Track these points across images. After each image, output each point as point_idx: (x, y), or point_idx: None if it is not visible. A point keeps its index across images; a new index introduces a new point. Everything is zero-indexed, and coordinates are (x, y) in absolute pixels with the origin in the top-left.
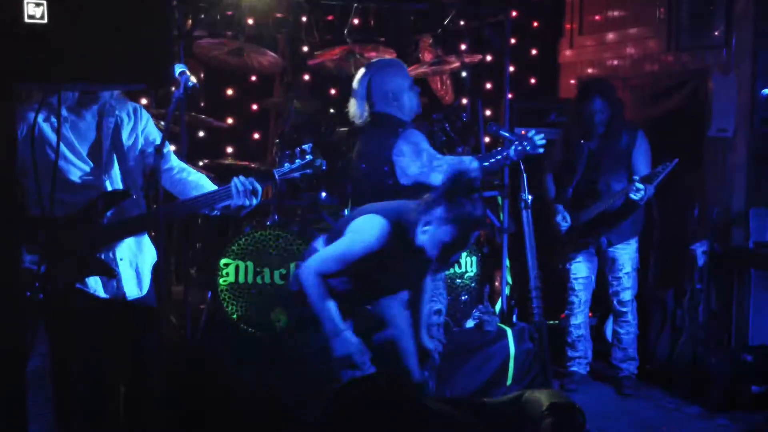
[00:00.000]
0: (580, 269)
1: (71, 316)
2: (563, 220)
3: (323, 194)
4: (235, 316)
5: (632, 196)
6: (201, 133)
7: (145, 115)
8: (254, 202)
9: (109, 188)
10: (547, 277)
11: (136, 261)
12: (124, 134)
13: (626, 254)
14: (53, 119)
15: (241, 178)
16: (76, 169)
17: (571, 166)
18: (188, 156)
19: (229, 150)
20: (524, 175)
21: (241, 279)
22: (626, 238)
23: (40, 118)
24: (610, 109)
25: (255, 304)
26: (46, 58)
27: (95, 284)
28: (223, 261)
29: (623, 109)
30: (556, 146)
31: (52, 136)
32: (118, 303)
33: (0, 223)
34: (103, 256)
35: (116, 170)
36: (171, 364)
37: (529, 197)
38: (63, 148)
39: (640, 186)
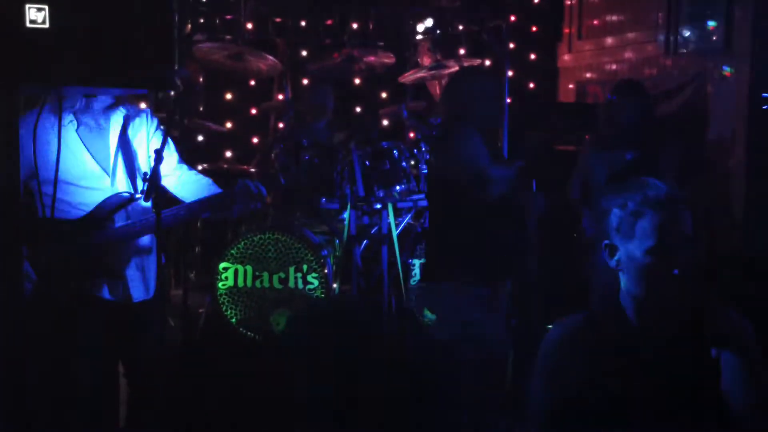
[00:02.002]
0: None
1: (77, 318)
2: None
3: (323, 199)
4: (234, 320)
5: None
6: (200, 137)
7: (154, 121)
8: (259, 205)
9: (117, 191)
10: (565, 281)
11: (142, 263)
12: (133, 138)
13: None
14: (58, 123)
15: (248, 181)
16: (84, 172)
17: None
18: (187, 160)
19: (228, 154)
20: None
21: (240, 283)
22: None
23: (45, 123)
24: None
25: (254, 307)
26: (48, 63)
27: (101, 286)
28: (222, 265)
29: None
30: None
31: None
32: (124, 305)
33: (3, 225)
34: (110, 259)
35: (124, 173)
36: (171, 368)
37: None
38: (71, 151)
39: None
